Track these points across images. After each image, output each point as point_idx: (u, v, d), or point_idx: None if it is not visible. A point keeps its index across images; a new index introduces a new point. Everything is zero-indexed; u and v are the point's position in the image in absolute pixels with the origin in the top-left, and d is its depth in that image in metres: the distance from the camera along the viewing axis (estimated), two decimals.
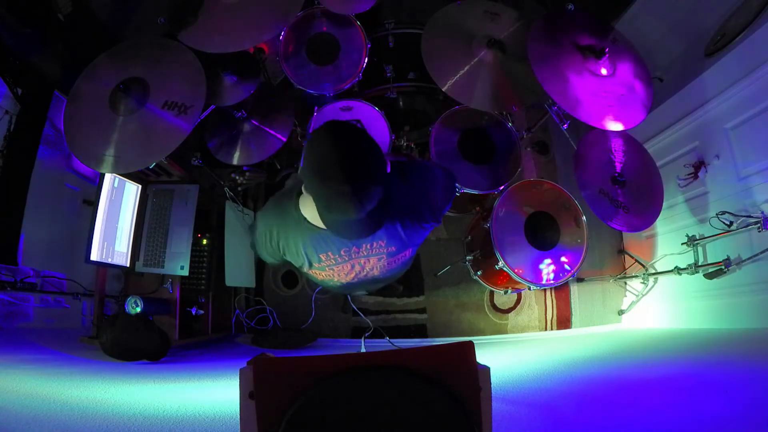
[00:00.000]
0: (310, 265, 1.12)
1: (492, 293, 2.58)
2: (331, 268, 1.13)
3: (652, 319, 2.43)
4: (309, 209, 1.03)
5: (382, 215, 0.96)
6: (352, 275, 1.16)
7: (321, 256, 1.09)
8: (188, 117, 1.57)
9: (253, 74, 1.95)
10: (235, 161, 2.07)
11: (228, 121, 2.08)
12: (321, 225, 1.02)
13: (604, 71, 1.76)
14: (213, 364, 1.87)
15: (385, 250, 1.09)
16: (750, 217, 1.81)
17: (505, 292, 2.27)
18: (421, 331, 2.55)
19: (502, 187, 1.98)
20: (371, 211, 0.87)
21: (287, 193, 1.10)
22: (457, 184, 1.94)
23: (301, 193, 1.03)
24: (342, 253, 1.08)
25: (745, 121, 1.90)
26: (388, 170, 0.91)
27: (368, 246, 1.07)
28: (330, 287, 1.32)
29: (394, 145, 2.06)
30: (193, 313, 2.07)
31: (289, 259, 1.16)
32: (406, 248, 1.13)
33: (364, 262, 1.12)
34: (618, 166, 1.86)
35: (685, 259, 2.12)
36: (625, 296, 2.64)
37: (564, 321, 2.60)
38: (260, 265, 2.49)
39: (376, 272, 1.17)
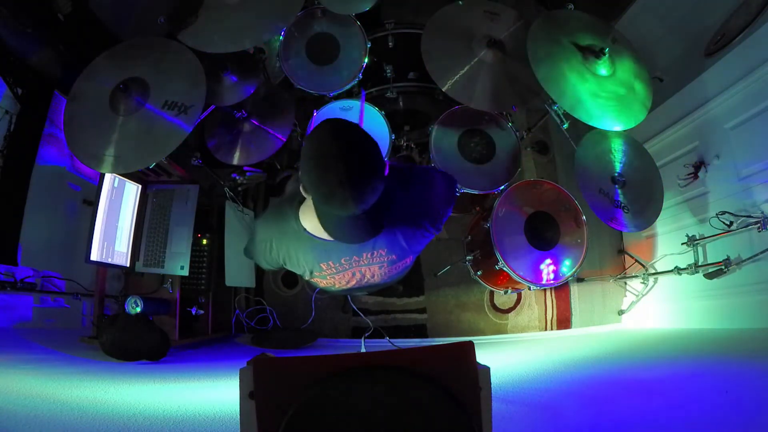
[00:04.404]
0: (311, 273, 1.12)
1: (492, 293, 2.58)
2: (332, 277, 1.13)
3: (652, 319, 2.43)
4: (309, 219, 1.02)
5: (381, 217, 0.95)
6: (353, 282, 1.16)
7: (322, 265, 1.08)
8: (188, 117, 1.57)
9: (253, 74, 1.95)
10: (235, 161, 2.07)
11: (228, 121, 2.08)
12: (321, 235, 1.01)
13: (604, 71, 1.76)
14: (213, 364, 1.87)
15: (386, 259, 1.08)
16: (750, 217, 1.81)
17: (505, 292, 2.27)
18: (421, 331, 2.55)
19: (502, 187, 1.98)
20: (370, 211, 0.86)
21: (287, 201, 1.09)
22: (457, 185, 1.94)
23: (301, 201, 1.02)
24: (342, 261, 1.07)
25: (745, 121, 1.90)
26: (387, 173, 0.90)
27: (369, 255, 1.06)
28: (330, 291, 1.32)
29: (394, 145, 2.06)
30: (193, 313, 2.07)
31: (289, 268, 1.15)
32: (407, 256, 1.12)
33: (365, 270, 1.12)
34: (618, 166, 1.86)
35: (685, 259, 2.12)
36: (625, 296, 2.64)
37: (564, 321, 2.60)
38: None
39: (376, 279, 1.17)
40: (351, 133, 0.85)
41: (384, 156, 1.84)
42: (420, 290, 2.58)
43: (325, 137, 0.83)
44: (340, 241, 0.98)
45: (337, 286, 1.19)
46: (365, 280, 1.16)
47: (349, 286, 1.18)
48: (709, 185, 2.09)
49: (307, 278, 1.16)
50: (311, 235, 1.02)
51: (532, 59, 1.71)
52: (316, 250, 1.05)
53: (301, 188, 0.91)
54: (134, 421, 1.04)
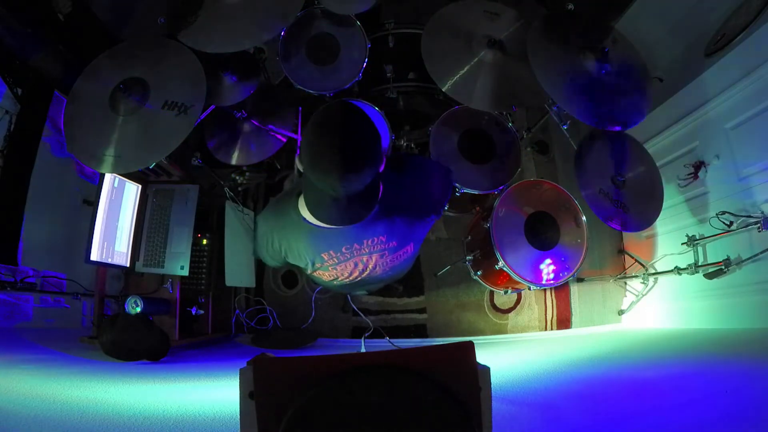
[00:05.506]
0: (313, 265, 1.13)
1: (492, 293, 2.58)
2: (334, 268, 1.13)
3: (652, 319, 2.43)
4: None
5: (369, 205, 0.96)
6: (356, 274, 1.17)
7: (323, 255, 1.09)
8: (188, 117, 1.57)
9: (253, 74, 1.95)
10: (235, 161, 2.08)
11: (228, 121, 2.08)
12: (320, 224, 1.01)
13: (604, 71, 1.75)
14: (213, 364, 1.87)
15: (386, 246, 1.09)
16: (750, 217, 1.81)
17: (505, 292, 2.27)
18: (421, 331, 2.55)
19: (502, 187, 1.98)
20: (353, 198, 0.88)
21: (286, 194, 1.10)
22: (456, 183, 1.94)
23: (300, 194, 1.03)
24: (343, 250, 1.08)
25: (745, 121, 1.90)
26: (381, 169, 0.91)
27: (369, 242, 1.07)
28: (333, 287, 1.32)
29: (394, 145, 2.06)
30: (193, 313, 2.07)
31: (291, 261, 1.16)
32: (408, 243, 1.13)
33: (367, 260, 1.12)
34: (618, 166, 1.86)
35: (685, 259, 2.12)
36: (625, 296, 2.64)
37: (564, 321, 2.60)
38: (260, 265, 2.49)
39: (378, 270, 1.17)
40: (362, 117, 0.87)
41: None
42: (420, 290, 2.58)
43: (337, 109, 0.86)
44: (317, 219, 0.99)
45: (340, 279, 1.19)
46: (367, 271, 1.16)
47: (351, 278, 1.19)
48: (709, 185, 2.09)
49: (309, 272, 1.17)
50: (310, 223, 1.03)
51: (532, 59, 1.71)
52: (317, 239, 1.06)
53: (297, 159, 0.92)
54: (134, 421, 1.04)
